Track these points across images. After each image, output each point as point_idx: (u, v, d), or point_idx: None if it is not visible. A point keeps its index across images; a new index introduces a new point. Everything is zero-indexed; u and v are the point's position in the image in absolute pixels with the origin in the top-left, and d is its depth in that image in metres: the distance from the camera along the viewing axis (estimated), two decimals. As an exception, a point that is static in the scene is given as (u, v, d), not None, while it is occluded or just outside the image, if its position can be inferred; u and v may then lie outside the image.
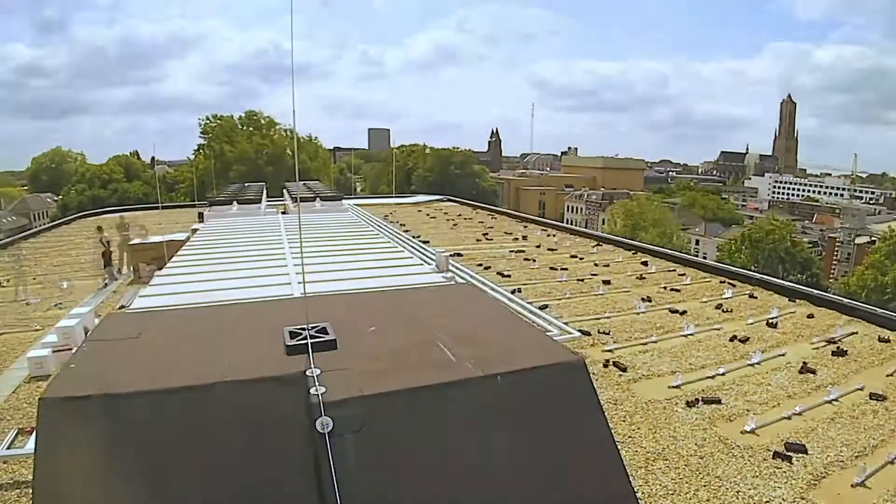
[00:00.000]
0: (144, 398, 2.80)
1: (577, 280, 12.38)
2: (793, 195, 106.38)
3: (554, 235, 19.14)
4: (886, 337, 8.78)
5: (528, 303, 9.66)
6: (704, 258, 28.48)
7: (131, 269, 13.68)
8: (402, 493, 2.63)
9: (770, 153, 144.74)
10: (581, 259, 14.89)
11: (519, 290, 10.98)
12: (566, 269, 13.49)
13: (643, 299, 10.65)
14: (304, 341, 3.21)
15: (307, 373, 2.91)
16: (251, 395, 2.84)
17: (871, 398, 6.71)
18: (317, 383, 2.80)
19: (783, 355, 8.02)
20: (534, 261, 14.48)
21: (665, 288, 11.77)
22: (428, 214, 24.79)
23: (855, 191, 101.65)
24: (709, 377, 7.22)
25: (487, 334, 3.77)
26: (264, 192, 19.73)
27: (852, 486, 5.00)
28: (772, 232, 39.31)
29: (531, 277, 12.64)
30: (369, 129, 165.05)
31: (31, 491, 2.67)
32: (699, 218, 67.34)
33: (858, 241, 54.57)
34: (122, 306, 9.54)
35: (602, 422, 3.12)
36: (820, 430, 5.95)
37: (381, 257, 7.38)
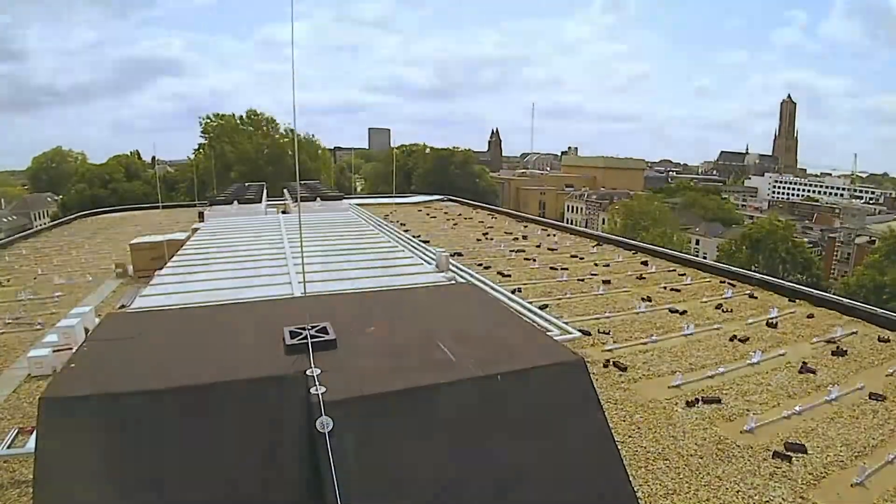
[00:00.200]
0: (144, 398, 2.80)
1: (577, 280, 12.38)
2: (793, 195, 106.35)
3: (554, 235, 19.14)
4: (886, 337, 8.78)
5: (528, 302, 9.66)
6: (704, 258, 28.46)
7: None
8: (402, 493, 2.63)
9: (770, 153, 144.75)
10: (581, 259, 14.89)
11: (519, 290, 10.97)
12: (566, 268, 13.49)
13: (643, 299, 10.66)
14: (305, 341, 3.21)
15: (307, 372, 2.91)
16: (251, 395, 2.84)
17: (870, 398, 6.71)
18: (317, 383, 2.80)
19: (783, 355, 8.02)
20: (534, 260, 14.48)
21: (665, 288, 11.77)
22: (428, 214, 24.79)
23: (855, 191, 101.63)
24: (709, 377, 7.22)
25: (487, 334, 3.77)
26: (264, 191, 19.76)
27: (852, 485, 5.01)
28: (772, 232, 39.29)
29: (531, 277, 12.65)
30: (369, 129, 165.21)
31: (31, 490, 2.67)
32: (699, 218, 67.27)
33: (858, 241, 54.56)
34: (123, 306, 9.54)
35: (602, 421, 3.12)
36: (820, 429, 5.95)
37: (382, 257, 7.39)
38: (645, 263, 14.35)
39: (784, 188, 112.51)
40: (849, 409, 6.43)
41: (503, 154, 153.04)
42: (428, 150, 69.74)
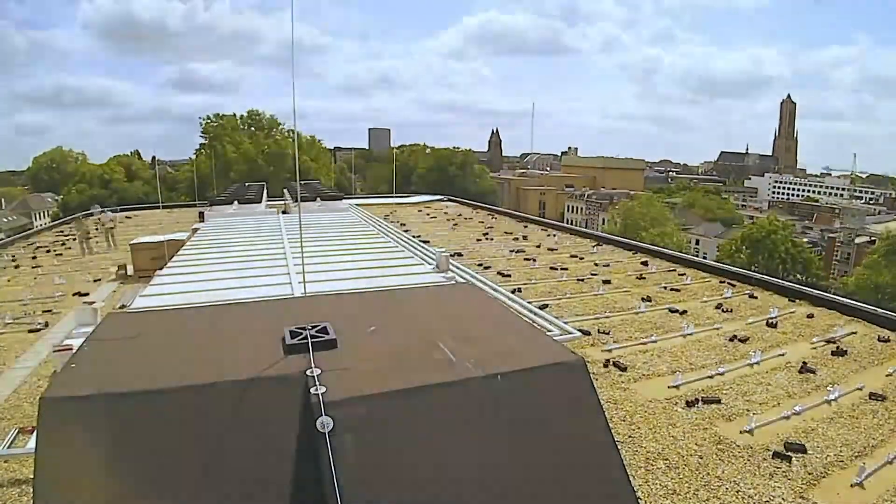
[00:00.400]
0: (145, 397, 2.80)
1: (577, 280, 12.39)
2: (793, 195, 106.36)
3: (554, 235, 19.15)
4: (886, 337, 8.78)
5: (528, 302, 9.66)
6: (704, 258, 28.48)
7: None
8: (402, 494, 2.63)
9: (770, 153, 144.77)
10: (581, 259, 14.90)
11: (519, 290, 10.97)
12: (566, 268, 13.50)
13: (643, 299, 10.66)
14: (305, 341, 3.21)
15: (307, 372, 2.92)
16: (251, 395, 2.85)
17: (870, 398, 6.71)
18: (317, 383, 2.80)
19: (783, 355, 8.02)
20: (534, 260, 14.49)
21: (665, 288, 11.77)
22: (428, 214, 24.80)
23: (855, 191, 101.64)
24: (709, 377, 7.23)
25: (487, 334, 3.78)
26: (264, 191, 19.75)
27: (852, 486, 5.01)
28: (772, 232, 39.30)
29: (531, 277, 12.65)
30: (369, 129, 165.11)
31: (31, 490, 2.68)
32: (699, 218, 67.30)
33: (858, 241, 54.59)
34: (123, 306, 9.54)
35: (602, 422, 3.12)
36: (819, 429, 5.95)
37: (382, 257, 7.38)
38: (645, 263, 14.35)
39: (784, 188, 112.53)
40: (849, 409, 6.43)
41: (503, 154, 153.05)
42: (428, 151, 69.79)
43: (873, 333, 9.02)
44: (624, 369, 7.37)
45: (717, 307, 10.34)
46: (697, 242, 59.34)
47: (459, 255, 14.82)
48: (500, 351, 3.41)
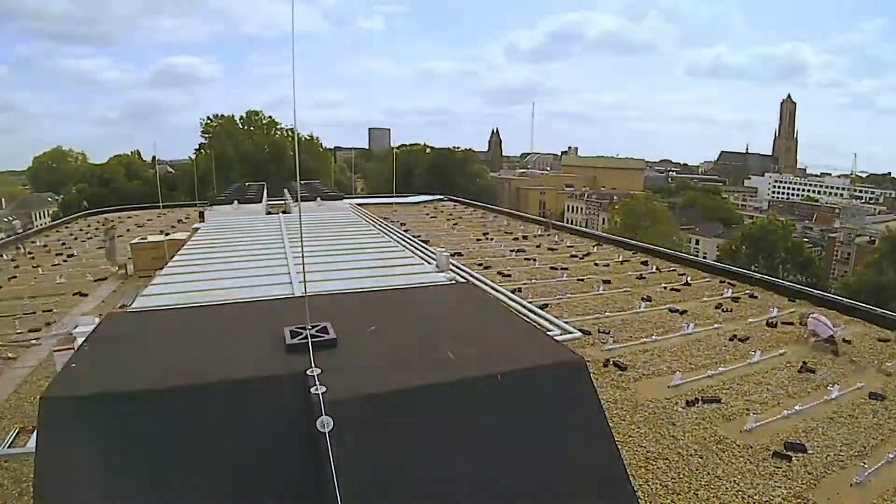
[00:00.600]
0: (145, 397, 2.80)
1: (577, 280, 12.38)
2: (793, 195, 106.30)
3: (555, 235, 19.14)
4: (886, 337, 8.78)
5: (528, 302, 9.65)
6: (704, 258, 28.47)
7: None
8: (402, 494, 2.63)
9: (770, 153, 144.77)
10: (581, 259, 14.89)
11: (519, 290, 10.97)
12: (566, 268, 13.50)
13: (643, 299, 10.66)
14: (305, 341, 3.21)
15: (307, 372, 2.92)
16: (252, 395, 2.85)
17: (870, 398, 6.71)
18: (317, 383, 2.80)
19: (783, 355, 8.02)
20: (534, 260, 14.49)
21: (665, 287, 11.77)
22: (428, 214, 24.79)
23: (855, 191, 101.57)
24: (709, 376, 7.23)
25: (488, 334, 3.78)
26: (265, 191, 19.75)
27: (851, 485, 5.01)
28: (772, 232, 39.27)
29: (531, 277, 12.65)
30: (370, 129, 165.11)
31: (31, 489, 2.68)
32: (699, 218, 67.25)
33: (858, 241, 54.56)
34: (123, 305, 9.55)
35: (602, 421, 3.12)
36: (819, 429, 5.96)
37: (382, 257, 7.39)
38: (645, 263, 14.35)
39: (784, 188, 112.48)
40: (848, 409, 6.44)
41: (503, 154, 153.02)
42: (428, 150, 69.75)
43: (873, 333, 9.02)
44: (624, 369, 7.37)
45: (717, 307, 10.34)
46: (697, 242, 59.31)
47: (459, 254, 14.82)
48: (500, 351, 3.41)
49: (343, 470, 2.52)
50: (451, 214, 24.48)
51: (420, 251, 8.24)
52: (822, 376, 7.32)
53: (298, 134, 50.39)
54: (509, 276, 12.63)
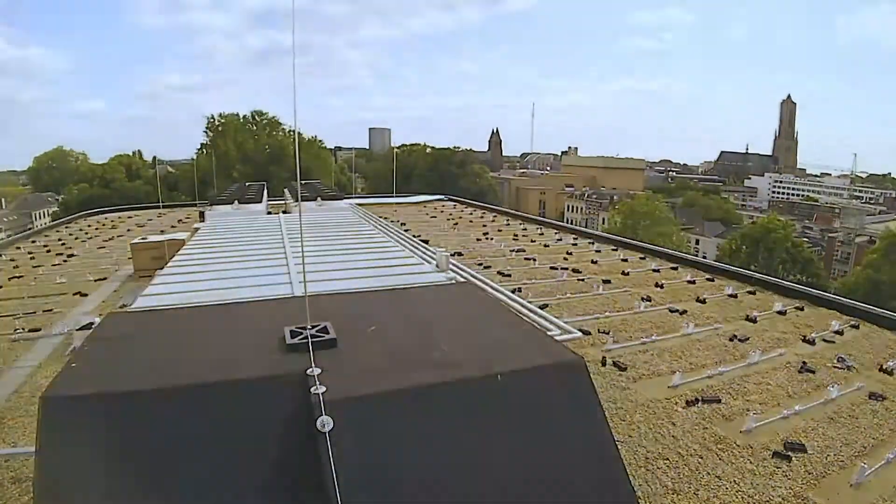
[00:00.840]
0: (145, 397, 2.81)
1: (577, 279, 12.38)
2: (792, 195, 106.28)
3: (556, 233, 19.14)
4: (886, 336, 8.79)
5: (528, 302, 9.65)
6: (704, 258, 28.47)
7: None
8: (403, 493, 2.64)
9: (770, 153, 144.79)
10: (581, 258, 14.90)
11: (519, 290, 10.97)
12: (566, 268, 13.50)
13: (643, 298, 10.66)
14: (305, 340, 3.22)
15: (308, 372, 2.92)
16: (252, 394, 2.85)
17: (870, 398, 6.72)
18: (317, 382, 2.81)
19: (783, 355, 8.03)
20: (534, 260, 14.49)
21: (665, 287, 11.78)
22: (428, 214, 24.80)
23: (854, 191, 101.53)
24: (708, 376, 7.23)
25: (487, 334, 3.79)
26: (265, 191, 19.78)
27: (851, 485, 5.01)
28: (772, 231, 39.26)
29: (531, 277, 12.65)
30: (370, 129, 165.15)
31: (32, 489, 2.68)
32: (699, 218, 67.25)
33: (858, 240, 54.58)
34: (124, 305, 9.56)
35: (602, 421, 3.13)
36: (819, 429, 5.96)
37: (382, 256, 7.40)
38: (645, 262, 14.36)
39: (784, 188, 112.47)
40: (848, 409, 6.44)
41: (503, 154, 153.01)
42: (428, 150, 69.77)
43: (873, 333, 9.03)
44: (624, 369, 7.38)
45: (717, 307, 10.35)
46: (697, 242, 59.32)
47: (459, 254, 14.82)
48: (501, 350, 3.42)
49: (343, 470, 2.52)
50: (451, 214, 24.48)
51: (420, 251, 8.24)
52: (821, 376, 7.32)
53: (299, 134, 50.41)
54: (509, 275, 12.63)
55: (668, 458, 5.34)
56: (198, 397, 2.81)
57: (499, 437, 2.91)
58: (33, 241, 19.32)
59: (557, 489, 2.86)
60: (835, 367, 7.67)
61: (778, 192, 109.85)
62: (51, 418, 2.69)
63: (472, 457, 2.83)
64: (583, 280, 12.35)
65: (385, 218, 20.68)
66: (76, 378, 3.01)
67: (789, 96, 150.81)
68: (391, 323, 3.90)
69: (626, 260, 14.75)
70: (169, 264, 7.19)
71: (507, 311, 4.61)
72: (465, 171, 66.47)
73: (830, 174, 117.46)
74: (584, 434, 3.08)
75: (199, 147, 52.04)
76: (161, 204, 26.03)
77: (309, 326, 3.35)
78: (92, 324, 8.20)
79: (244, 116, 53.22)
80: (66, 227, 22.94)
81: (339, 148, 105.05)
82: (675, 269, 13.76)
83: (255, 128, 52.51)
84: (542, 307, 9.56)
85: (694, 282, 12.35)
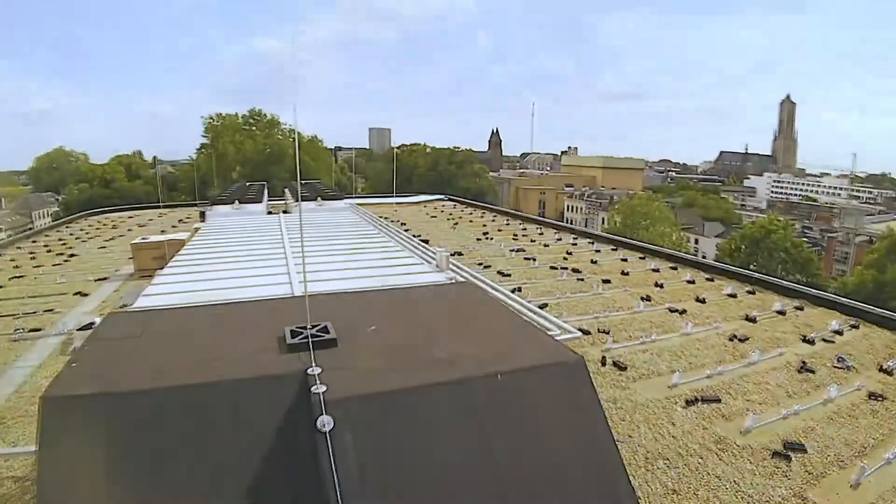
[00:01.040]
0: (146, 397, 2.82)
1: (577, 279, 12.39)
2: (791, 195, 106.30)
3: (557, 233, 19.15)
4: (886, 336, 8.79)
5: (527, 302, 9.66)
6: (704, 258, 28.47)
7: None
8: (402, 492, 2.65)
9: (769, 153, 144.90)
10: (581, 258, 14.90)
11: (519, 290, 10.98)
12: (566, 268, 13.50)
13: (643, 298, 10.67)
14: (305, 340, 3.23)
15: (308, 371, 2.93)
16: (252, 394, 2.86)
17: (869, 398, 6.72)
18: (318, 382, 2.82)
19: (782, 354, 8.03)
20: (534, 260, 14.49)
21: (664, 287, 11.78)
22: (428, 214, 24.80)
23: (853, 191, 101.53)
24: (708, 376, 7.23)
25: (487, 333, 3.79)
26: (265, 191, 19.78)
27: (851, 485, 5.02)
28: (772, 231, 39.27)
29: (531, 276, 12.66)
30: (370, 129, 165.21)
31: (33, 488, 2.69)
32: (699, 218, 67.25)
33: (857, 240, 54.58)
34: (124, 305, 9.56)
35: (602, 421, 3.14)
36: (819, 429, 5.97)
37: (382, 256, 7.40)
38: (644, 262, 14.36)
39: (783, 188, 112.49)
40: (848, 409, 6.44)
41: (503, 154, 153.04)
42: (429, 150, 69.74)
43: (873, 333, 9.03)
44: (623, 368, 7.38)
45: (716, 306, 10.35)
46: (697, 242, 59.32)
47: (459, 254, 14.83)
48: (500, 350, 3.43)
49: (343, 469, 2.53)
50: (451, 214, 24.49)
51: (420, 251, 8.24)
52: (821, 376, 7.33)
53: (299, 134, 50.37)
54: (509, 275, 12.64)
55: (667, 458, 5.34)
56: (198, 397, 2.81)
57: (498, 436, 2.92)
58: (34, 241, 19.32)
59: (557, 488, 2.86)
60: (834, 366, 7.67)
61: (777, 192, 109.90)
62: (51, 418, 2.70)
63: (472, 456, 2.84)
64: (582, 280, 12.35)
65: (385, 218, 20.69)
66: (76, 378, 3.02)
67: (788, 96, 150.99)
68: (391, 323, 3.90)
69: (625, 260, 14.75)
70: (169, 264, 7.20)
71: (506, 310, 4.61)
72: (465, 171, 66.43)
73: (830, 174, 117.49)
74: (583, 433, 3.08)
75: (198, 147, 52.03)
76: (161, 204, 26.04)
77: (309, 326, 3.36)
78: (92, 324, 8.21)
79: (243, 116, 53.19)
80: (67, 227, 22.95)
81: (340, 148, 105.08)
82: (675, 268, 13.76)
83: (254, 128, 52.44)
84: (541, 307, 9.57)
85: (693, 281, 12.36)
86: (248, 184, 26.64)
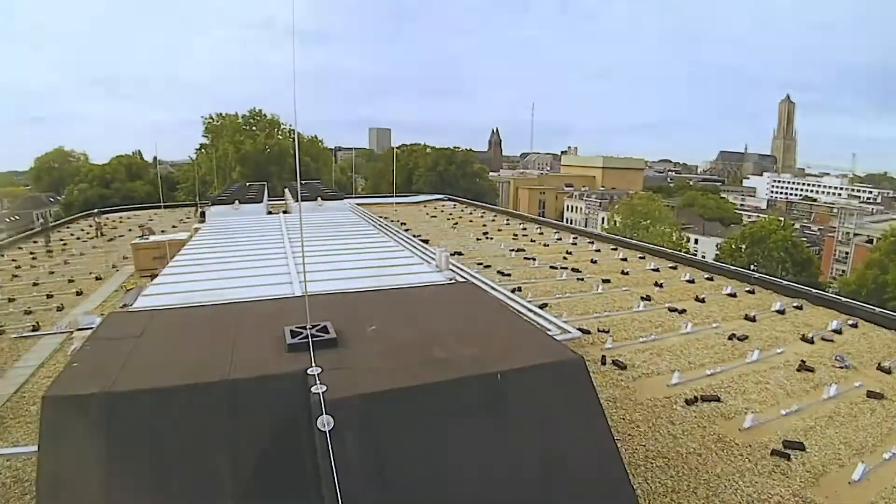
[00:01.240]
0: (146, 396, 2.82)
1: (577, 279, 12.40)
2: (791, 195, 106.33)
3: (557, 233, 19.16)
4: (885, 336, 8.80)
5: (527, 302, 9.67)
6: (704, 258, 28.48)
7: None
8: (403, 492, 2.65)
9: (769, 153, 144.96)
10: (580, 258, 14.91)
11: (519, 289, 10.99)
12: (566, 267, 13.51)
13: (642, 298, 10.67)
14: (305, 340, 3.23)
15: (308, 371, 2.93)
16: (252, 394, 2.87)
17: (868, 396, 6.73)
18: (318, 382, 2.82)
19: (781, 353, 8.04)
20: (534, 260, 14.50)
21: (664, 286, 11.79)
22: (428, 214, 24.81)
23: (853, 190, 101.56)
24: (708, 375, 7.24)
25: (487, 333, 3.80)
26: (266, 191, 19.79)
27: (850, 484, 5.03)
28: (771, 231, 39.30)
29: (531, 276, 12.66)
30: (370, 129, 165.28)
31: (34, 488, 2.70)
32: (699, 217, 67.27)
33: (856, 240, 54.56)
34: (125, 305, 9.57)
35: (602, 420, 3.15)
36: (818, 428, 5.97)
37: (382, 256, 7.41)
38: (644, 262, 14.37)
39: (782, 188, 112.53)
40: (847, 408, 6.45)
41: (503, 154, 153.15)
42: (429, 150, 69.72)
43: (872, 332, 9.04)
44: (623, 368, 7.39)
45: (716, 306, 10.36)
46: (696, 241, 59.33)
47: (460, 254, 14.83)
48: (500, 350, 3.43)
49: (343, 468, 2.54)
50: (451, 214, 24.50)
51: (420, 251, 8.26)
52: (820, 375, 7.33)
53: (299, 133, 50.35)
54: (509, 275, 12.64)
55: (667, 457, 5.35)
56: (198, 397, 2.82)
57: (499, 435, 2.92)
58: (34, 242, 19.32)
59: (557, 487, 2.87)
60: (834, 365, 7.68)
61: (776, 192, 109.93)
62: (52, 418, 2.71)
63: (472, 455, 2.84)
64: (582, 279, 12.36)
65: (385, 218, 20.71)
66: (77, 378, 3.02)
67: (788, 96, 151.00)
68: (391, 322, 3.91)
69: (625, 259, 14.76)
70: (170, 264, 7.21)
71: (506, 310, 4.62)
72: (466, 171, 66.41)
73: (829, 174, 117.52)
74: (583, 433, 3.09)
75: (198, 147, 52.01)
76: (162, 204, 26.03)
77: (309, 326, 3.36)
78: (92, 324, 8.22)
79: (243, 116, 53.15)
80: (68, 228, 22.96)
81: (340, 148, 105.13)
82: (675, 268, 13.77)
83: (254, 128, 52.40)
84: (541, 307, 9.59)
85: (693, 281, 12.36)
86: (248, 184, 26.66)
